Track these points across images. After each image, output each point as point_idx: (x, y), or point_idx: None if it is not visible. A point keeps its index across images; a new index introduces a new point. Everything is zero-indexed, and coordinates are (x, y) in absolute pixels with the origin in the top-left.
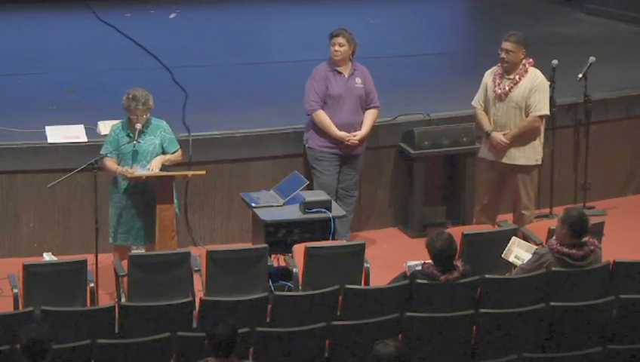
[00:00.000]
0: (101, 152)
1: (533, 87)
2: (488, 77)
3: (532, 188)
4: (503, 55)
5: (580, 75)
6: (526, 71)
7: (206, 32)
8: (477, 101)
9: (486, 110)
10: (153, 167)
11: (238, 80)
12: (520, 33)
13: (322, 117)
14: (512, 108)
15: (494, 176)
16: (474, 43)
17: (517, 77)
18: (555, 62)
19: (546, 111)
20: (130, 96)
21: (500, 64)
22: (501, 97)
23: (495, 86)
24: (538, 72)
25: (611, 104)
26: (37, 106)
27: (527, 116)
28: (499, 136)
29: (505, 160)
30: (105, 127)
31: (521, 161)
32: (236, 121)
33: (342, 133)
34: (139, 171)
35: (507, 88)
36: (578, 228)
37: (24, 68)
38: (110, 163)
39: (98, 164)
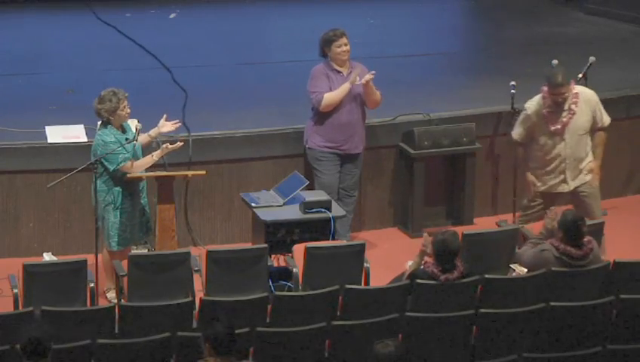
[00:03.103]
0: (120, 162)
1: (592, 106)
2: (534, 115)
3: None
4: (560, 99)
5: (580, 75)
6: (576, 95)
7: (206, 32)
8: (518, 134)
9: (537, 143)
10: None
11: (238, 80)
12: (561, 68)
13: (329, 94)
14: (579, 135)
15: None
16: (474, 43)
17: (572, 106)
18: (555, 62)
19: (609, 119)
20: (111, 94)
21: (543, 97)
22: (567, 130)
23: (552, 124)
24: (582, 88)
25: (611, 104)
26: (37, 106)
27: (592, 133)
28: (533, 179)
29: (575, 183)
30: None
31: (588, 177)
32: (236, 121)
33: (349, 83)
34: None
35: (569, 120)
36: (573, 233)
37: (24, 68)
38: (138, 161)
39: (96, 166)
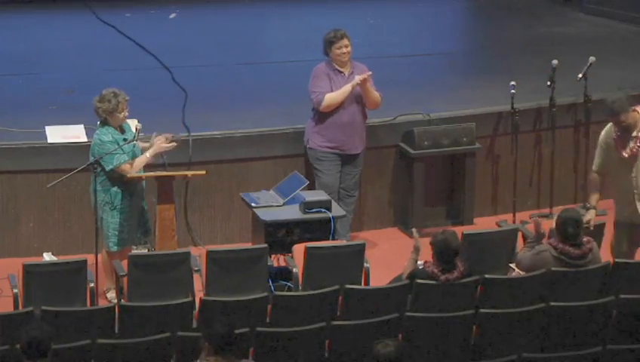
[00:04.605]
0: (116, 163)
1: None
2: (603, 143)
3: None
4: (620, 129)
5: (580, 75)
6: None
7: (206, 32)
8: (597, 164)
9: (607, 174)
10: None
11: (238, 80)
12: (619, 94)
13: (330, 95)
14: None
15: (630, 234)
16: (474, 43)
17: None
18: (555, 62)
19: None
20: (112, 95)
21: (613, 124)
22: (636, 157)
23: (622, 150)
24: None
25: None
26: (37, 106)
27: None
28: (593, 218)
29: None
30: None
31: None
32: (236, 121)
33: (351, 86)
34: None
35: (637, 148)
36: (570, 231)
37: (24, 68)
38: (136, 161)
39: (96, 166)
